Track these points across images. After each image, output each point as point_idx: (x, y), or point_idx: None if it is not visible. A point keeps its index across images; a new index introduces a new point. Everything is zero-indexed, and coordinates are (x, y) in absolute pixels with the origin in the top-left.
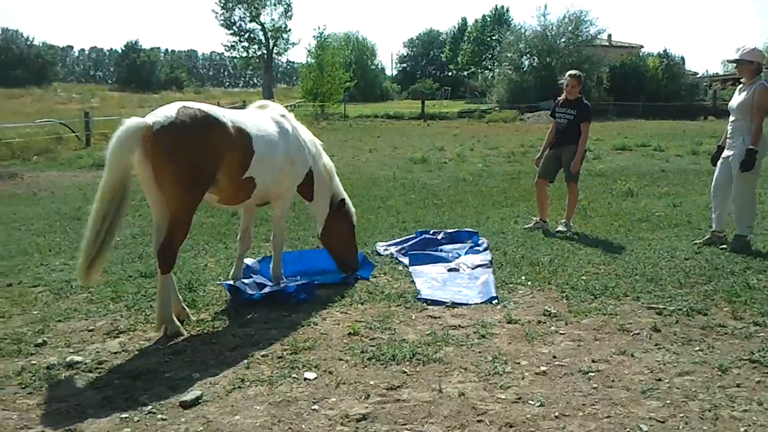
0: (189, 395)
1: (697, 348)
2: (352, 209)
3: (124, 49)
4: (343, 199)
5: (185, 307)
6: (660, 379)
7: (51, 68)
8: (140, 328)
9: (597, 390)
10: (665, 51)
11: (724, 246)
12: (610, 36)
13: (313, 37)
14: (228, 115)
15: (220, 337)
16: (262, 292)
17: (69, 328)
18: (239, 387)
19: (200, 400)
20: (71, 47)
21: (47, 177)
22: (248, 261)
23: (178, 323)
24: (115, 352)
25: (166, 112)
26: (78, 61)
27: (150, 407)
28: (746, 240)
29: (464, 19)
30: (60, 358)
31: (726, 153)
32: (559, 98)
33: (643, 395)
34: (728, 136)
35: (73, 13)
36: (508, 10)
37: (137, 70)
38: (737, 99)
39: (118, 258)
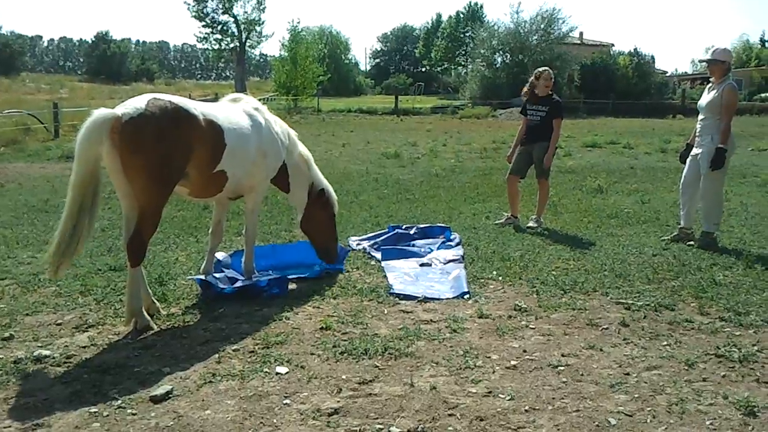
0: (159, 390)
1: (665, 343)
2: (334, 197)
3: (94, 39)
4: (323, 189)
5: (155, 301)
6: (628, 374)
7: (19, 58)
8: (109, 322)
9: (566, 384)
10: (635, 50)
11: (692, 243)
12: (581, 34)
13: (287, 30)
14: (199, 108)
15: (190, 331)
16: (234, 286)
17: (37, 321)
18: (210, 381)
19: (170, 395)
20: (40, 37)
21: (15, 168)
22: (219, 255)
23: (148, 317)
24: (84, 347)
25: (136, 103)
26: (47, 51)
27: (119, 402)
28: (713, 237)
29: (439, 15)
30: (28, 352)
31: (694, 151)
32: (525, 89)
33: (611, 389)
34: (697, 134)
35: (42, 2)
36: (481, 7)
37: (107, 61)
38: (706, 98)
39: (87, 251)
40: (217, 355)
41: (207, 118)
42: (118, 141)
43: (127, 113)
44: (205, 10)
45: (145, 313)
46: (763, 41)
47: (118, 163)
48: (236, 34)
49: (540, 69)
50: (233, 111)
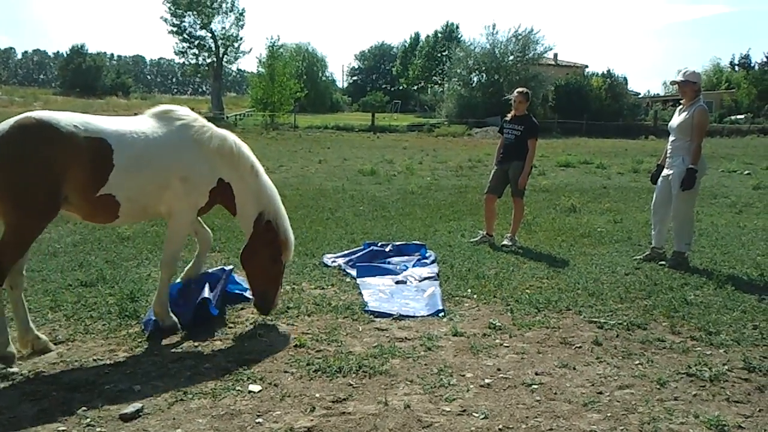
0: (129, 408)
1: (637, 362)
2: (290, 239)
3: (69, 52)
4: (270, 222)
5: (40, 335)
6: (601, 392)
7: None
8: (79, 339)
9: (540, 402)
10: (608, 71)
11: (663, 262)
12: (556, 55)
13: (266, 46)
14: (82, 125)
15: (162, 348)
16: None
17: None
18: (181, 399)
19: (141, 413)
20: (12, 49)
21: None
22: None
23: (13, 350)
24: (53, 363)
25: (5, 123)
26: (21, 63)
27: (89, 420)
28: (684, 256)
29: (417, 34)
30: None
31: (666, 172)
32: (507, 115)
33: (584, 408)
34: (668, 155)
35: (16, 14)
36: (458, 27)
37: (83, 75)
38: (677, 119)
39: (57, 266)
40: (188, 373)
41: (89, 135)
42: None
43: None
44: (182, 25)
45: (11, 346)
46: (733, 65)
47: None
48: (213, 49)
49: (517, 89)
50: (144, 127)
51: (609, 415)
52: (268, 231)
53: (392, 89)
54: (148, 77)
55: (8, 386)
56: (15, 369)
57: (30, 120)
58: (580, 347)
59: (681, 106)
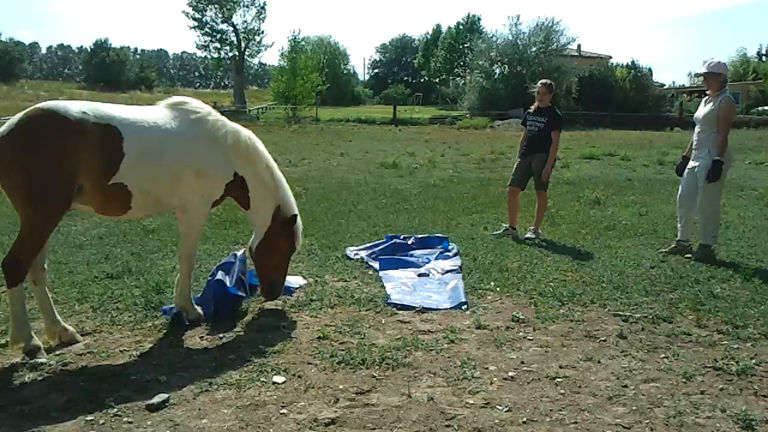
0: (155, 398)
1: (663, 355)
2: (300, 230)
3: (93, 47)
4: (295, 216)
5: (67, 327)
6: (626, 386)
7: (18, 65)
8: (106, 330)
9: (564, 396)
10: (633, 62)
11: (689, 255)
12: (579, 46)
13: (288, 40)
14: (91, 111)
15: (187, 339)
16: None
17: (33, 329)
18: (207, 390)
19: (167, 404)
20: (37, 44)
21: None
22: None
23: (37, 342)
24: (80, 354)
25: (12, 119)
26: (46, 58)
27: (115, 410)
28: (710, 250)
29: (438, 26)
30: (24, 360)
31: (691, 164)
32: (531, 107)
33: (609, 401)
34: (694, 147)
35: (40, 9)
36: (480, 19)
37: (106, 69)
38: (703, 111)
39: (84, 258)
40: (213, 364)
41: (99, 122)
42: None
43: (2, 130)
44: (204, 20)
45: (35, 338)
46: (760, 55)
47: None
48: (235, 43)
49: (540, 80)
50: (158, 118)
51: (634, 408)
52: (286, 224)
53: (413, 82)
54: (171, 71)
55: (37, 377)
56: (43, 360)
57: (38, 110)
58: (604, 340)
59: (707, 98)
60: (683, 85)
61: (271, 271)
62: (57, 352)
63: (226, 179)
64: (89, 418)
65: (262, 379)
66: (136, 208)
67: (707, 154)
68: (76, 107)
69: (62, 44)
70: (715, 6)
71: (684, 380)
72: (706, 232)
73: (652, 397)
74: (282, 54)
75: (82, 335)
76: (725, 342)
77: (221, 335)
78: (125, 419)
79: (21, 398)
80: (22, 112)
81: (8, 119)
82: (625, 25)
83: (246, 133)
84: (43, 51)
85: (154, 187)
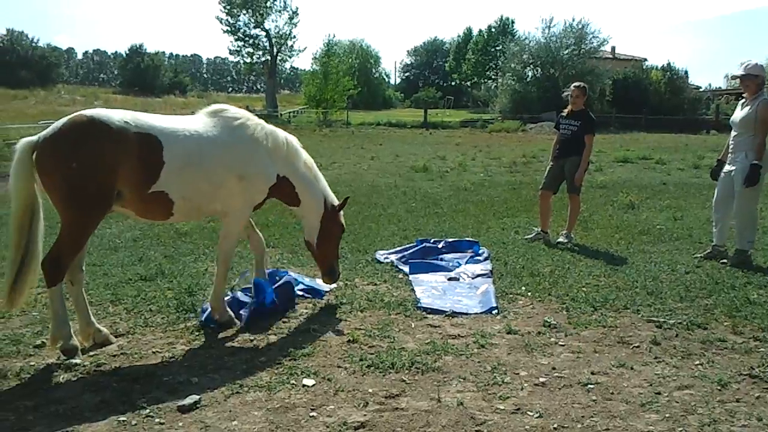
0: (187, 400)
1: (697, 362)
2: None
3: (128, 52)
4: (347, 198)
5: (101, 328)
6: (659, 393)
7: (55, 70)
8: (139, 332)
9: (596, 402)
10: (668, 64)
11: (725, 260)
12: (613, 48)
13: (323, 43)
14: (133, 121)
15: (218, 342)
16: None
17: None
18: (237, 392)
19: (198, 405)
20: (73, 49)
21: None
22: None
23: (76, 342)
24: (114, 355)
25: (56, 123)
26: (81, 63)
27: (148, 411)
28: (747, 255)
29: (469, 29)
30: (59, 360)
31: (728, 168)
32: (564, 110)
33: (642, 408)
34: (730, 150)
35: (76, 15)
36: (513, 22)
37: (141, 74)
38: (740, 114)
39: (118, 261)
40: (244, 366)
41: (140, 132)
42: (36, 164)
43: (42, 136)
44: (237, 24)
45: (75, 337)
46: None
47: (41, 186)
48: (268, 47)
49: (574, 83)
50: (199, 126)
51: (667, 416)
52: (334, 212)
53: (444, 85)
54: (205, 75)
55: (71, 377)
56: (77, 361)
57: (82, 117)
58: (638, 347)
59: (744, 100)
60: (719, 87)
61: (330, 259)
62: (91, 353)
63: (269, 182)
64: (122, 418)
65: (292, 381)
66: (178, 214)
67: (744, 157)
68: (118, 116)
69: (98, 49)
70: (754, 6)
71: (719, 388)
72: (743, 237)
73: (686, 404)
74: (315, 58)
75: (116, 336)
76: (762, 349)
77: (252, 338)
78: (157, 420)
79: (55, 398)
80: (67, 117)
81: (48, 123)
82: (661, 27)
83: (282, 134)
84: (79, 56)
85: (196, 194)
